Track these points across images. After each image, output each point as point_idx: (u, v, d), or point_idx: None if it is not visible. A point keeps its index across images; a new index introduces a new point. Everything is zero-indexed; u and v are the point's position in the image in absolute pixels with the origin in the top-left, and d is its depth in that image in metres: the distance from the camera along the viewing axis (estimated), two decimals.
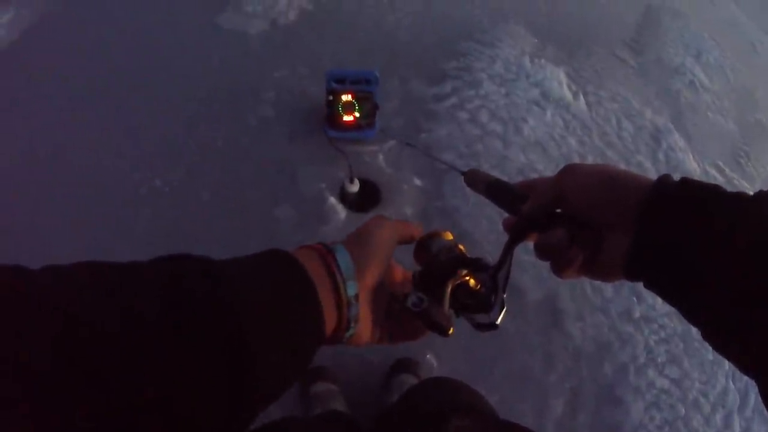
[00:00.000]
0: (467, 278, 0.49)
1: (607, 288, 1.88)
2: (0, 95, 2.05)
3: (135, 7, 2.57)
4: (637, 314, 1.86)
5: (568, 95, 2.60)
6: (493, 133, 2.16)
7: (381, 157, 1.95)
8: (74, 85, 2.12)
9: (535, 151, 2.21)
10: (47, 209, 1.74)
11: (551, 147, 2.28)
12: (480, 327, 0.48)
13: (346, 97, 1.83)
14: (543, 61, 2.68)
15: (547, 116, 2.39)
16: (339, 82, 1.84)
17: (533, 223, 0.51)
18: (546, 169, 2.16)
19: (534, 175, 2.13)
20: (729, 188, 0.40)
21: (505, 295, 0.48)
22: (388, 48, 2.47)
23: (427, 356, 1.59)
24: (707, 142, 3.00)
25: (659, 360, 1.80)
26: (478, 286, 0.49)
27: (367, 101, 1.84)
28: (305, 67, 2.24)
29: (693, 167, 2.69)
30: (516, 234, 0.51)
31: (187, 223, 1.78)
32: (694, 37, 4.53)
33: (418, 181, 1.93)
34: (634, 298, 1.89)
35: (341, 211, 1.85)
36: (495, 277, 0.49)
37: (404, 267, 0.56)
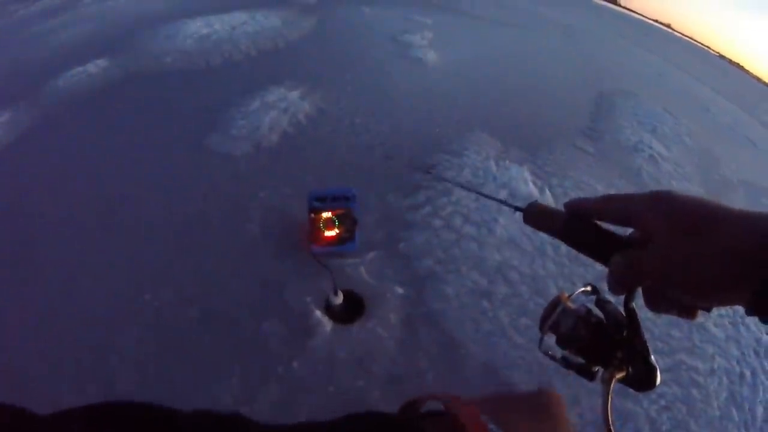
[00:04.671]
0: (618, 373, 0.47)
1: None
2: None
3: (126, 128, 2.75)
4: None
5: (535, 191, 2.79)
6: (468, 236, 2.28)
7: (363, 268, 2.04)
8: (65, 201, 2.23)
9: (510, 248, 2.33)
10: (44, 321, 1.76)
11: (524, 242, 2.40)
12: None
13: (326, 215, 1.95)
14: (507, 162, 2.91)
15: (517, 214, 2.54)
16: (320, 200, 1.97)
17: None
18: (521, 264, 2.26)
19: (512, 274, 2.21)
20: None
21: (652, 357, 0.48)
22: (364, 165, 2.66)
23: None
24: None
25: (664, 429, 1.78)
26: (627, 369, 0.48)
27: (346, 217, 1.97)
28: (288, 186, 2.40)
29: None
30: (629, 292, 0.46)
31: (176, 339, 1.78)
32: (648, 113, 4.94)
33: (400, 289, 2.00)
34: None
35: (327, 324, 1.88)
36: (633, 346, 0.47)
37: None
